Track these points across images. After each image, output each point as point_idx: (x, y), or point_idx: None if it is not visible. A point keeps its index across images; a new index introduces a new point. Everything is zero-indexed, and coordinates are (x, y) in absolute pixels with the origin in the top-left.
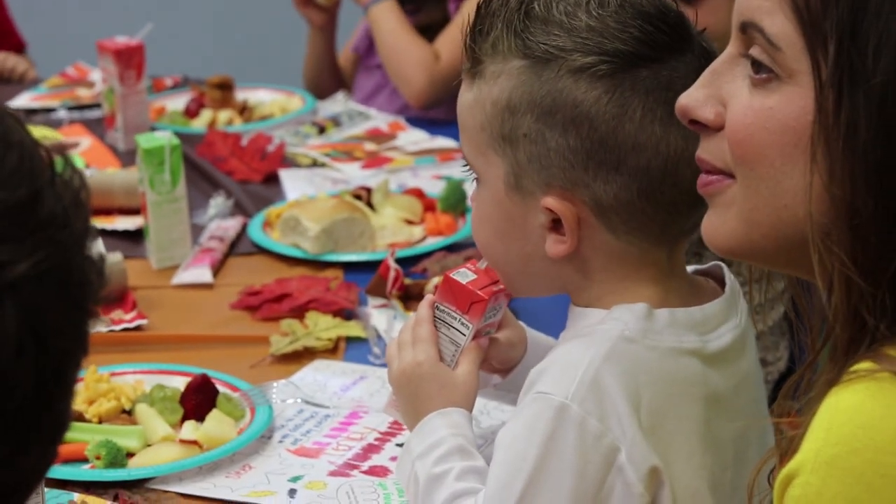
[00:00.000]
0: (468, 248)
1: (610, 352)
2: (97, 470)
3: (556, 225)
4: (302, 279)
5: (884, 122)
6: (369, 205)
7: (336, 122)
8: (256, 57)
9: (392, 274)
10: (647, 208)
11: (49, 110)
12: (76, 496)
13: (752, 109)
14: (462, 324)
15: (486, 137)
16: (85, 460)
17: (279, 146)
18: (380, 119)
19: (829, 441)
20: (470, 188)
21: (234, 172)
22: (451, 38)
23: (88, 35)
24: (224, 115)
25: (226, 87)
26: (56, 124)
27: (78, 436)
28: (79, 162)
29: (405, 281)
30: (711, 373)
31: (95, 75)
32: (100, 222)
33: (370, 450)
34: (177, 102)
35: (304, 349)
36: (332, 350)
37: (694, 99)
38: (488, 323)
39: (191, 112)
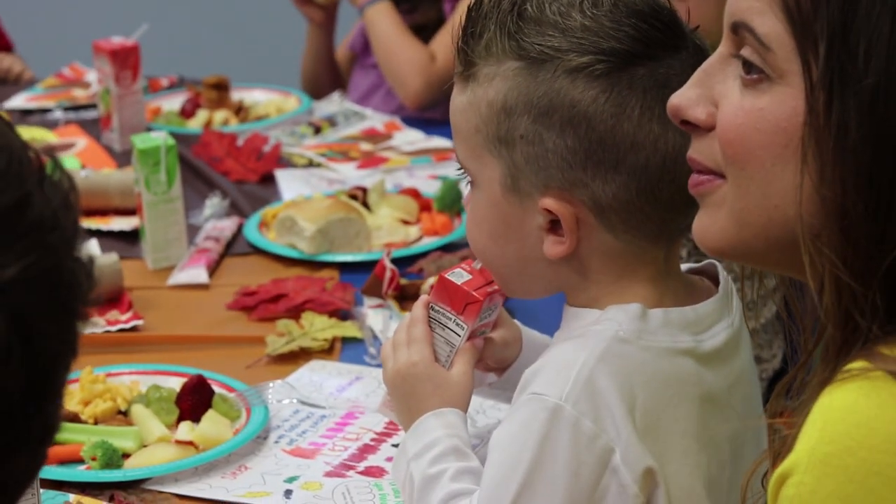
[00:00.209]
0: (464, 247)
1: (604, 352)
2: (93, 471)
3: (554, 226)
4: (298, 279)
5: (874, 123)
6: (365, 205)
7: (332, 122)
8: (252, 57)
9: (388, 274)
10: (645, 207)
11: (45, 111)
12: (72, 497)
13: (743, 110)
14: (457, 324)
15: (482, 140)
16: (81, 461)
17: (275, 146)
18: (375, 119)
19: (823, 440)
20: (466, 188)
21: (230, 173)
22: (447, 40)
23: (84, 36)
24: (220, 115)
25: (221, 88)
26: (52, 125)
27: (74, 437)
28: (75, 163)
29: (401, 281)
30: (706, 372)
31: (91, 76)
32: (96, 223)
33: (366, 450)
34: (172, 103)
35: (300, 349)
36: (328, 350)
37: (686, 99)
38: (483, 323)
39: (186, 112)
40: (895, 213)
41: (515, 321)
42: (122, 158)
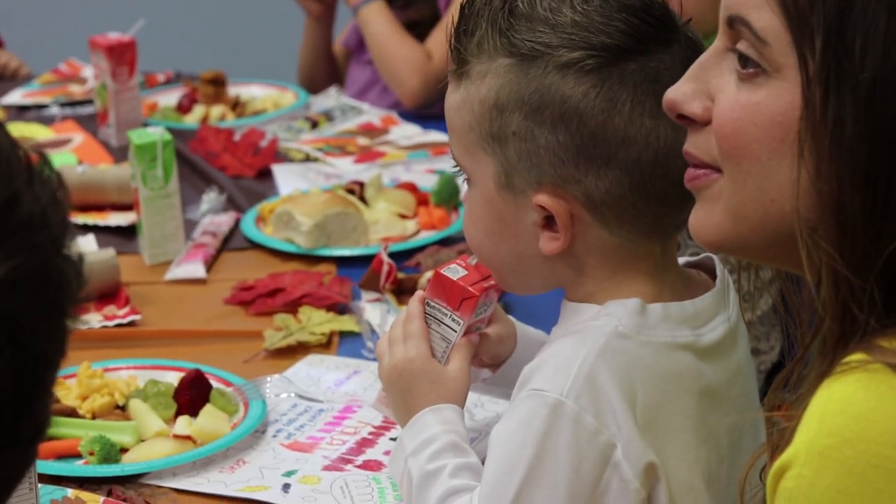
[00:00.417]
0: (461, 241)
1: (604, 348)
2: (91, 466)
3: (548, 222)
4: (295, 274)
5: (871, 118)
6: (362, 199)
7: (329, 116)
8: (249, 52)
9: (385, 268)
10: (639, 202)
11: (41, 107)
12: (70, 492)
13: (739, 104)
14: (453, 320)
15: (475, 137)
16: (78, 456)
17: (272, 141)
18: (372, 114)
19: (821, 432)
20: (464, 184)
21: (227, 168)
22: (443, 37)
23: (81, 31)
24: (216, 110)
25: (218, 83)
26: (48, 121)
27: (71, 431)
28: (71, 158)
29: (398, 275)
30: (705, 366)
31: (88, 71)
32: (93, 218)
33: (364, 444)
34: (169, 98)
35: (298, 344)
36: (325, 344)
37: (681, 93)
38: (479, 319)
39: (183, 108)
40: (892, 207)
41: (510, 317)
42: (119, 154)
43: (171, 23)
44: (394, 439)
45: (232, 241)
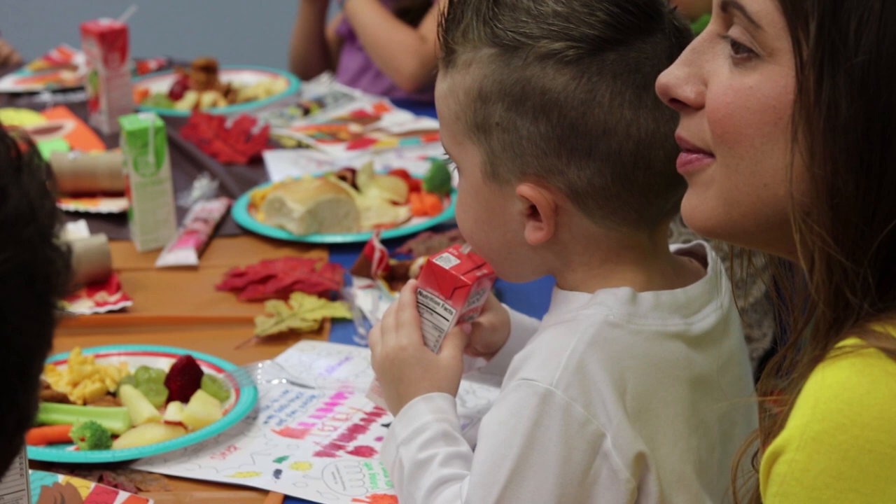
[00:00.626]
0: (453, 228)
1: (594, 337)
2: (82, 452)
3: (533, 212)
4: (287, 260)
5: (865, 101)
6: (354, 186)
7: (321, 103)
8: (241, 39)
9: (377, 255)
10: (622, 192)
11: (33, 93)
12: (61, 478)
13: (732, 88)
14: (445, 309)
15: (462, 127)
16: (69, 442)
17: (264, 128)
18: (364, 100)
19: (815, 417)
20: (454, 171)
21: (219, 154)
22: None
23: (72, 18)
24: (208, 97)
25: (210, 70)
26: (40, 107)
27: (62, 418)
28: (63, 145)
29: (390, 261)
30: (696, 355)
31: (79, 58)
32: (84, 205)
33: (355, 430)
34: (161, 85)
35: (290, 330)
36: (317, 331)
37: (674, 77)
38: (471, 307)
39: (175, 94)
40: (886, 190)
41: (503, 305)
42: (111, 140)
43: (162, 9)
44: (385, 425)
45: (223, 227)
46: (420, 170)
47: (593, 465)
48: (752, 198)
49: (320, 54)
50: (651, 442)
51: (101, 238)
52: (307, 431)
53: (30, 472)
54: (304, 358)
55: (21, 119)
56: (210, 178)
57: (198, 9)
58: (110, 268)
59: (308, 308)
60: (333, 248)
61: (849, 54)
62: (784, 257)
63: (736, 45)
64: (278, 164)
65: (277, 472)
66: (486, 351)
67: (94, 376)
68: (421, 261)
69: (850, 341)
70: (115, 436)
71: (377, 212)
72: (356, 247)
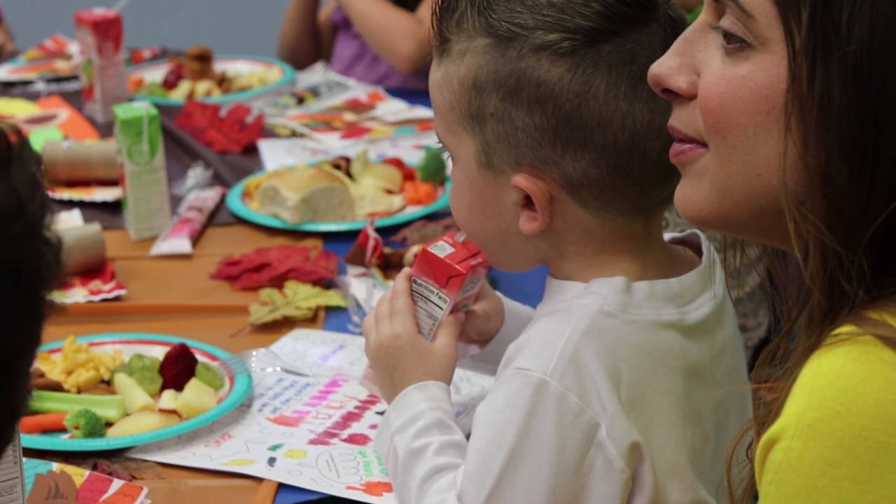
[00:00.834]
0: (447, 216)
1: (589, 327)
2: (76, 440)
3: (528, 202)
4: (281, 249)
5: (858, 90)
6: (348, 174)
7: (315, 92)
8: (235, 28)
9: (371, 243)
10: (617, 183)
11: (27, 83)
12: (55, 466)
13: (724, 78)
14: (439, 297)
15: (456, 116)
16: (63, 430)
17: (258, 117)
18: (359, 89)
19: (810, 405)
20: (448, 159)
21: (213, 143)
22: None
23: (66, 7)
24: (202, 86)
25: (204, 59)
26: (34, 97)
27: (56, 406)
28: (57, 134)
29: (384, 250)
30: (690, 345)
31: (73, 47)
32: (78, 194)
33: (350, 418)
34: (155, 74)
35: (284, 318)
36: (311, 319)
37: (667, 67)
38: (466, 296)
39: (169, 84)
40: (879, 178)
41: (498, 293)
42: (105, 129)
43: None
44: (380, 413)
45: (218, 216)
46: (414, 158)
47: (588, 454)
48: (745, 187)
49: (311, 41)
50: (646, 432)
51: (95, 227)
52: (301, 419)
53: (24, 460)
54: (299, 346)
55: (15, 108)
56: (204, 166)
57: None
58: (104, 256)
59: (302, 296)
60: (328, 237)
61: (841, 43)
62: (778, 247)
63: (728, 36)
64: (272, 153)
65: (272, 460)
66: (479, 339)
67: (88, 364)
68: (415, 249)
69: (846, 329)
70: (109, 424)
71: (371, 200)
72: (350, 235)
